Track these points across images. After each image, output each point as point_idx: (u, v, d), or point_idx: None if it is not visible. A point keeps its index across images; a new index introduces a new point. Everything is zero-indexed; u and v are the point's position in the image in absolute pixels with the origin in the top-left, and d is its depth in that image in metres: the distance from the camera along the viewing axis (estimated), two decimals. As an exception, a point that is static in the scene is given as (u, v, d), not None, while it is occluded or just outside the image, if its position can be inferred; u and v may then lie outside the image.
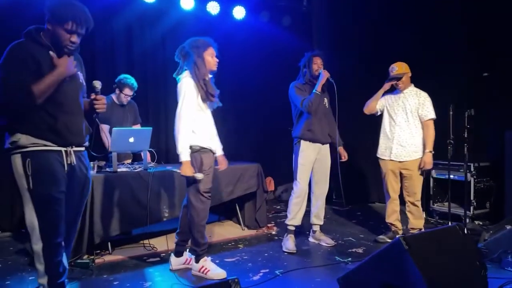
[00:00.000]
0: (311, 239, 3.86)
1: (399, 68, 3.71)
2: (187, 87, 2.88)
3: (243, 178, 4.20)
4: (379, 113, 3.87)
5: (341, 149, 3.76)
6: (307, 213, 3.80)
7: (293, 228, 3.66)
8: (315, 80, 3.61)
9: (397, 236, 2.56)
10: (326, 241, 3.74)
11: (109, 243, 3.51)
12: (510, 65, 4.28)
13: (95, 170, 3.56)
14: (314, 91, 3.52)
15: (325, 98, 3.75)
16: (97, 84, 2.25)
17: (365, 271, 2.18)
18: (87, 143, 2.35)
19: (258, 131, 6.06)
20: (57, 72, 2.03)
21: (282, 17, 5.81)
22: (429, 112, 3.63)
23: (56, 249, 2.10)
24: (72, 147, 2.19)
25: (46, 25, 2.07)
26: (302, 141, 3.64)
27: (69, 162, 2.17)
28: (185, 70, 2.97)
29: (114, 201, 3.43)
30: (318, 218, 3.81)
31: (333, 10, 5.69)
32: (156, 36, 5.23)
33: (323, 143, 3.68)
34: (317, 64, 3.66)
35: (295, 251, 3.52)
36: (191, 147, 2.89)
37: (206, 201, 2.97)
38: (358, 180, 5.64)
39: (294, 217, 3.64)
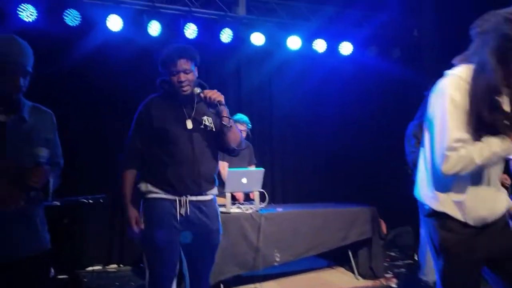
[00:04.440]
0: None
1: None
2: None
3: (356, 222, 3.92)
4: None
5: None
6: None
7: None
8: None
9: None
10: None
11: (221, 285, 3.47)
12: None
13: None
14: None
15: None
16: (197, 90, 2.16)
17: None
18: (214, 191, 2.28)
19: (366, 168, 5.72)
20: None
21: (391, 49, 5.54)
22: None
23: None
24: (187, 196, 2.14)
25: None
26: None
27: (181, 212, 2.12)
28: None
29: (227, 242, 3.41)
30: None
31: (446, 39, 5.27)
32: (263, 75, 5.32)
33: None
34: None
35: None
36: None
37: None
38: None
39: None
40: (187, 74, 2.13)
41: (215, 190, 2.29)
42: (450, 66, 2.99)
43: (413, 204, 3.25)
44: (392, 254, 5.08)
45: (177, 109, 2.20)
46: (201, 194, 2.19)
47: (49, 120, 1.84)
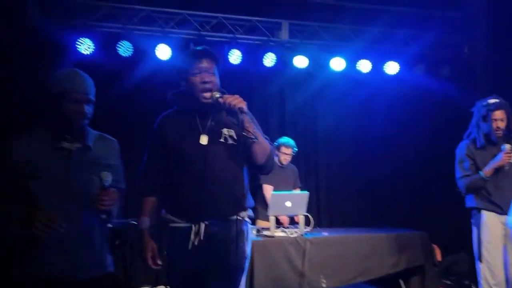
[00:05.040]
0: None
1: None
2: None
3: (407, 248, 3.75)
4: None
5: None
6: None
7: None
8: (490, 142, 2.88)
9: None
10: None
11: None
12: None
13: (254, 234, 3.59)
14: (481, 174, 2.85)
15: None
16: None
17: None
18: (244, 214, 1.98)
19: (415, 192, 5.48)
20: None
21: (440, 67, 5.35)
22: None
23: None
24: (203, 223, 1.88)
25: None
26: (483, 212, 2.92)
27: (195, 241, 1.88)
28: None
29: (272, 266, 3.38)
30: None
31: (498, 55, 5.02)
32: (307, 96, 5.32)
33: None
34: (497, 122, 2.86)
35: None
36: None
37: None
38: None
39: None
40: (211, 75, 1.90)
41: (245, 214, 1.98)
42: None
43: (467, 229, 3.08)
44: (448, 282, 4.77)
45: (191, 123, 1.93)
46: (223, 220, 1.90)
47: (113, 148, 1.94)
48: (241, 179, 1.95)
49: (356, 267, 3.60)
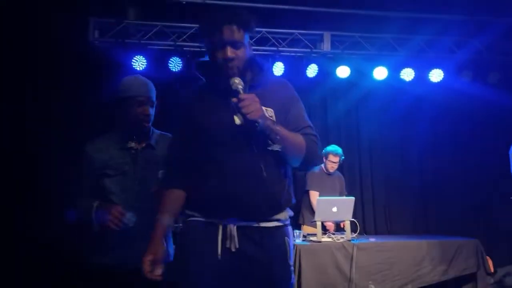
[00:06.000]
0: None
1: None
2: None
3: (458, 255, 3.68)
4: None
5: None
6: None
7: None
8: None
9: None
10: None
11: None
12: None
13: (301, 238, 3.66)
14: None
15: None
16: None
17: None
18: (284, 215, 1.54)
19: (464, 200, 5.34)
20: None
21: (488, 73, 5.24)
22: None
23: None
24: (235, 223, 1.47)
25: None
26: None
27: (227, 245, 1.46)
28: None
29: (320, 271, 3.42)
30: None
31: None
32: (348, 105, 5.37)
33: None
34: None
35: None
36: None
37: None
38: None
39: None
40: (237, 49, 1.47)
41: (285, 215, 1.55)
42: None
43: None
44: (502, 294, 4.58)
45: (220, 99, 1.51)
46: (259, 220, 1.49)
47: None
48: (280, 172, 1.53)
49: (405, 274, 3.57)
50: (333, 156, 4.19)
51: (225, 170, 1.46)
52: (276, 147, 1.42)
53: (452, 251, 3.66)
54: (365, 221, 5.06)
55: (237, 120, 1.42)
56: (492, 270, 5.07)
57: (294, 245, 3.41)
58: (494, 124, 5.26)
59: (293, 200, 1.60)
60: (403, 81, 5.25)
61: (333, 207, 3.65)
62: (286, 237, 1.51)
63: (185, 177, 1.56)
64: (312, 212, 4.00)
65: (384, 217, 5.23)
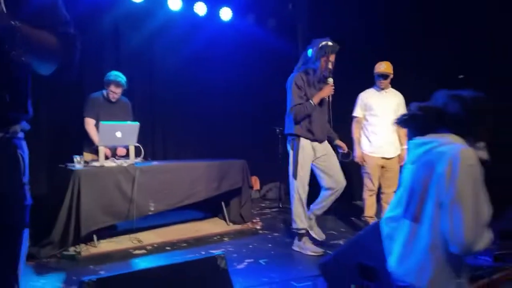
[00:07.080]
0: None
1: (387, 66, 3.88)
2: None
3: (228, 174, 4.28)
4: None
5: (339, 142, 3.64)
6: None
7: (304, 232, 3.47)
8: (320, 79, 3.38)
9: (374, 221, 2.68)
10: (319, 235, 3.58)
11: (94, 236, 3.54)
12: (484, 68, 4.49)
13: (82, 164, 3.59)
14: (311, 101, 3.34)
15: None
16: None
17: (343, 255, 2.29)
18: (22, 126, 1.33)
19: (243, 131, 6.14)
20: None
21: (268, 19, 5.93)
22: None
23: None
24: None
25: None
26: (301, 139, 3.41)
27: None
28: None
29: (100, 194, 3.47)
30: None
31: (317, 14, 5.84)
32: (143, 35, 5.26)
33: (321, 142, 3.50)
34: (331, 63, 3.35)
35: (322, 251, 3.41)
36: None
37: None
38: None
39: (302, 220, 3.42)
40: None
41: (16, 128, 1.30)
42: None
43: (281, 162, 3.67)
44: (263, 205, 5.65)
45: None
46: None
47: None
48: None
49: (182, 192, 3.94)
50: (115, 87, 4.01)
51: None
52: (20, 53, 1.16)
53: (222, 170, 4.23)
54: (155, 146, 5.27)
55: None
56: (257, 187, 6.15)
57: (75, 171, 3.34)
58: (272, 64, 6.00)
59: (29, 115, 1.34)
60: (197, 15, 5.45)
61: (116, 131, 3.67)
62: (19, 150, 1.31)
63: None
64: (89, 139, 3.94)
65: (173, 144, 5.56)
